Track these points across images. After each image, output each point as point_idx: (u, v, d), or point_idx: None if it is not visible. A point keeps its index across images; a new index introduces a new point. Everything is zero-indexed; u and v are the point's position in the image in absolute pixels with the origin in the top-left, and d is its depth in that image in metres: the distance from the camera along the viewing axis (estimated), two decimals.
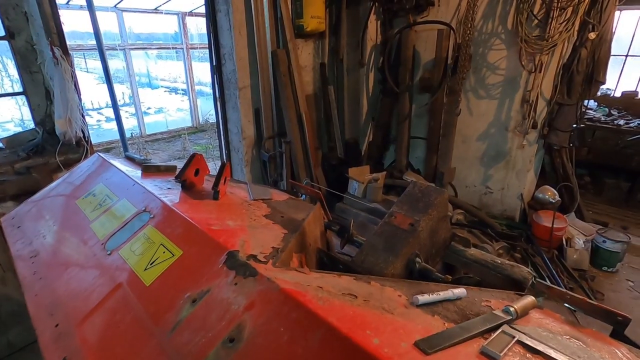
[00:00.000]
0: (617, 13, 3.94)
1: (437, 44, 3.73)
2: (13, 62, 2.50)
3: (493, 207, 4.11)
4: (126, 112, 10.00)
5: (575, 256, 3.28)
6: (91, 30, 3.50)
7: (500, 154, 3.90)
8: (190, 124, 9.04)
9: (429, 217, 1.37)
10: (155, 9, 7.67)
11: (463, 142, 4.08)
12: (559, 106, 3.44)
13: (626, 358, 0.82)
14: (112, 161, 1.60)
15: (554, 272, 3.14)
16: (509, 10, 3.41)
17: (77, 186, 1.50)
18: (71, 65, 2.37)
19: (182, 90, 11.34)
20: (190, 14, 8.22)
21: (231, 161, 3.91)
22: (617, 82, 5.82)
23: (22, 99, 2.62)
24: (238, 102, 3.50)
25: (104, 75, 3.89)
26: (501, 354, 0.70)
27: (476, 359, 0.69)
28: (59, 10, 2.43)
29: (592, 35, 3.05)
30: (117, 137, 4.57)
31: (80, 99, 2.41)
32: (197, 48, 8.79)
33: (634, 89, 5.68)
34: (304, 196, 1.87)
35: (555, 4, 3.05)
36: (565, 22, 3.07)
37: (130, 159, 1.73)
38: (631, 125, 4.83)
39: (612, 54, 3.36)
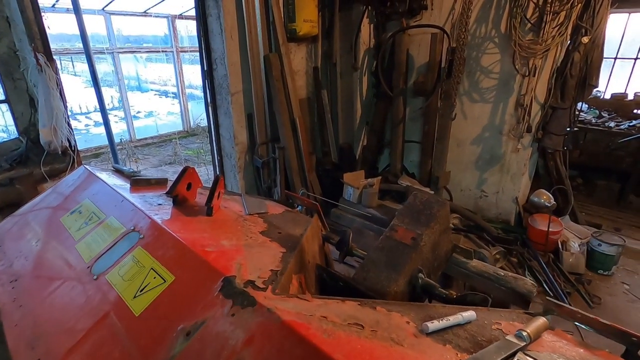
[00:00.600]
0: None
1: (430, 48, 3.71)
2: None
3: (488, 211, 4.10)
4: (115, 116, 9.82)
5: (571, 260, 3.28)
6: (79, 32, 3.41)
7: (494, 158, 3.90)
8: (181, 128, 8.91)
9: (432, 231, 1.33)
10: (145, 11, 7.55)
11: (457, 145, 4.07)
12: (552, 110, 3.45)
13: None
14: (99, 174, 1.52)
15: (551, 276, 3.13)
16: (502, 14, 3.41)
17: (61, 202, 1.42)
18: (56, 71, 2.29)
19: (172, 93, 11.18)
20: (180, 16, 8.11)
21: (224, 167, 3.84)
22: (607, 84, 5.89)
23: (4, 107, 2.52)
24: (230, 107, 3.43)
25: (91, 80, 3.80)
26: None
27: None
28: (43, 15, 2.34)
29: (585, 40, 3.05)
30: (107, 142, 4.45)
31: (65, 107, 2.32)
32: (187, 51, 8.67)
33: (623, 91, 5.75)
34: (300, 207, 1.82)
35: (549, 8, 3.05)
36: (559, 27, 3.07)
37: (119, 171, 1.66)
38: (621, 127, 4.87)
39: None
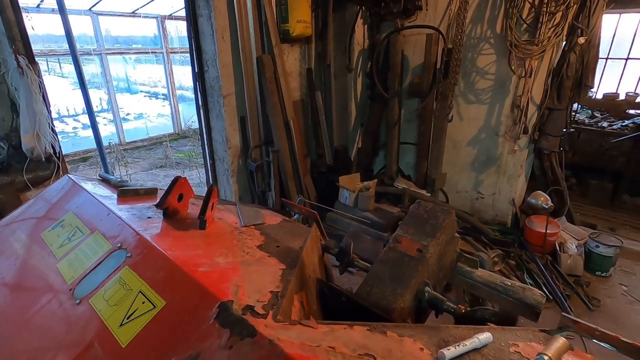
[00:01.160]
0: None
1: (426, 49, 3.66)
2: None
3: (485, 213, 4.07)
4: (104, 118, 9.63)
5: (569, 262, 3.26)
6: (65, 33, 3.30)
7: (491, 159, 3.87)
8: (172, 130, 8.76)
9: (438, 242, 1.27)
10: (133, 12, 7.40)
11: (453, 147, 4.03)
12: (549, 111, 3.43)
13: None
14: (84, 184, 1.43)
15: (549, 278, 3.10)
16: (497, 14, 3.38)
17: (43, 215, 1.33)
18: (38, 74, 2.18)
19: (162, 95, 11.02)
20: (170, 17, 7.97)
21: (216, 171, 3.74)
22: (599, 84, 5.92)
23: None
24: (222, 110, 3.34)
25: (78, 81, 3.67)
26: None
27: None
28: (25, 15, 2.23)
29: (581, 40, 3.04)
30: (95, 145, 4.32)
31: (49, 111, 2.21)
32: (177, 52, 8.53)
33: (614, 91, 5.78)
34: (297, 215, 1.75)
35: (545, 9, 3.03)
36: (555, 27, 3.05)
37: (105, 181, 1.56)
38: (614, 127, 4.89)
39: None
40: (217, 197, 1.34)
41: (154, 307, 0.83)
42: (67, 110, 10.46)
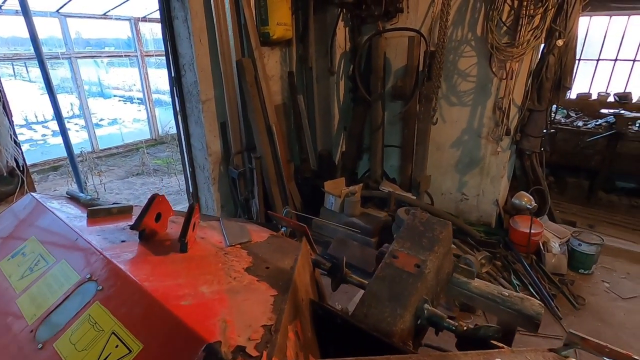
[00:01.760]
0: None
1: (408, 52, 3.65)
2: None
3: (469, 214, 4.09)
4: (76, 124, 9.21)
5: (553, 261, 3.30)
6: (29, 36, 3.10)
7: (474, 161, 3.89)
8: (148, 136, 8.46)
9: (436, 256, 1.21)
10: (104, 14, 7.11)
11: (437, 149, 4.03)
12: (530, 112, 3.47)
13: None
14: (49, 204, 1.29)
15: (535, 278, 3.12)
16: (477, 17, 3.39)
17: (0, 241, 1.19)
18: None
19: (138, 99, 10.65)
20: (144, 19, 7.70)
21: (196, 180, 3.60)
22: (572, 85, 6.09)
23: None
24: (201, 115, 3.21)
25: (45, 86, 3.46)
26: None
27: None
28: None
29: (559, 43, 3.08)
30: (65, 153, 4.08)
31: (11, 122, 2.04)
32: (153, 55, 8.26)
33: (587, 91, 5.96)
34: (284, 228, 1.66)
35: (524, 12, 3.05)
36: (534, 30, 3.08)
37: (74, 199, 1.43)
38: (589, 126, 5.03)
39: None
40: (200, 213, 1.24)
41: (130, 351, 0.72)
42: (36, 116, 9.96)
